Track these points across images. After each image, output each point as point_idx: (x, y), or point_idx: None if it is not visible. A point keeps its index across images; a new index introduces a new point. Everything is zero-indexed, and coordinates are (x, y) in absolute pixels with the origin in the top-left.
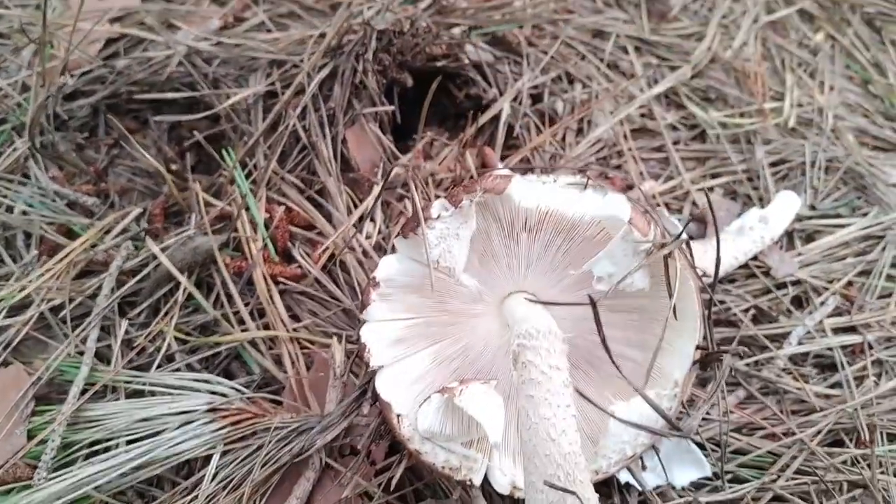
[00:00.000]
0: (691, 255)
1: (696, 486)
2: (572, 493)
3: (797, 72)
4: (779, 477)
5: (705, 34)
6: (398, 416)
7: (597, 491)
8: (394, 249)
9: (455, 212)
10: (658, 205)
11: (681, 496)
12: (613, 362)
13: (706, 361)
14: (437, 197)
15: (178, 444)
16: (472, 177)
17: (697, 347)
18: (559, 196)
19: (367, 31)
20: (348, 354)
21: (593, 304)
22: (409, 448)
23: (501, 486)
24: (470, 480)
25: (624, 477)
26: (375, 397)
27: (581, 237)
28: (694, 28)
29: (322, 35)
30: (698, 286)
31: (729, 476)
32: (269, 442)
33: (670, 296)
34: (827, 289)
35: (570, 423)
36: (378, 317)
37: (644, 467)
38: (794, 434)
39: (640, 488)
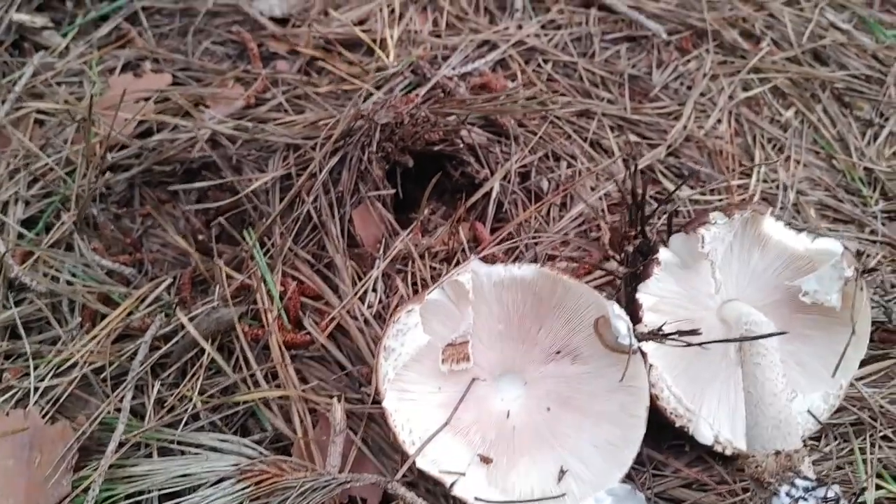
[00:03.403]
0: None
1: None
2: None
3: (766, 148)
4: None
5: (682, 113)
6: (651, 365)
7: None
8: (666, 244)
9: (728, 221)
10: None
11: None
12: None
13: None
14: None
15: (211, 500)
16: (463, 249)
17: None
18: (785, 232)
19: (371, 125)
20: (348, 413)
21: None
22: (652, 392)
23: (706, 437)
24: (686, 428)
25: None
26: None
27: (794, 266)
28: (673, 107)
29: (335, 123)
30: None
31: None
32: (289, 499)
33: (852, 318)
34: None
35: (783, 386)
36: (654, 288)
37: None
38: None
39: None
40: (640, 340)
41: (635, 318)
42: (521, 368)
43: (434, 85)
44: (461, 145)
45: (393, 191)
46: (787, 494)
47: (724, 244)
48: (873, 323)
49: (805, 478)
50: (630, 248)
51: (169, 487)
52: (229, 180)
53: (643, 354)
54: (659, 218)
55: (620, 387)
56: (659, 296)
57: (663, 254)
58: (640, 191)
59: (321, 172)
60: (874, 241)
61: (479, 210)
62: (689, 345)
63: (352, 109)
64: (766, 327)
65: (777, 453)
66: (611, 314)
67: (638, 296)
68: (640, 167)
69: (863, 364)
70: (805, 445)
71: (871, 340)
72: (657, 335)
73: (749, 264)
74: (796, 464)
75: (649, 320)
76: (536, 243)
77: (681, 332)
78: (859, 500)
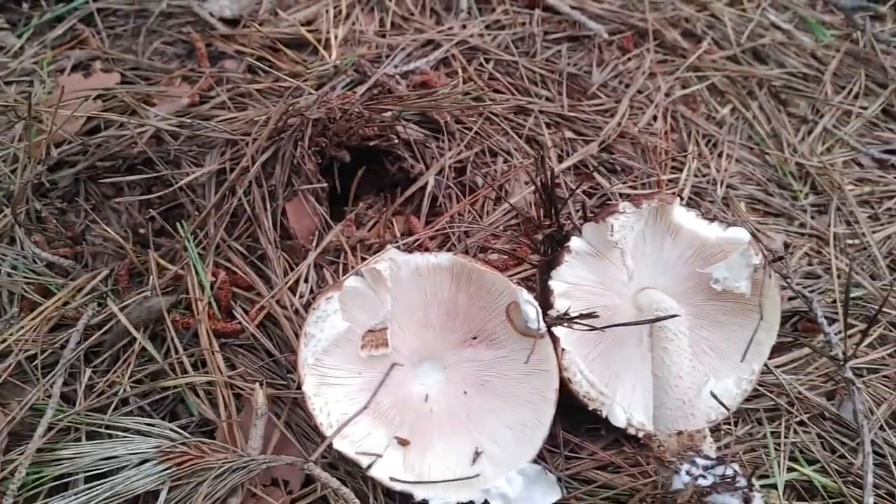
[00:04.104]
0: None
1: None
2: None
3: (700, 144)
4: None
5: (618, 109)
6: (563, 349)
7: None
8: (579, 232)
9: (636, 210)
10: None
11: None
12: None
13: None
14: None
15: (132, 481)
16: (396, 242)
17: None
18: (696, 221)
19: (304, 121)
20: (273, 399)
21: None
22: (565, 375)
23: (619, 420)
24: (599, 411)
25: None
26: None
27: (705, 254)
28: (610, 104)
29: (267, 119)
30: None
31: None
32: (207, 479)
33: (761, 304)
34: None
35: (690, 369)
36: (566, 275)
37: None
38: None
39: None
40: (548, 325)
41: (547, 304)
42: (440, 354)
43: (374, 83)
44: (397, 141)
45: (325, 184)
46: (688, 473)
47: (634, 233)
48: (796, 313)
49: (706, 456)
50: (542, 237)
51: (94, 469)
52: (165, 173)
53: (554, 339)
54: (579, 209)
55: (533, 370)
56: (570, 283)
57: (575, 242)
58: (549, 181)
59: (253, 166)
60: (803, 234)
61: (415, 204)
62: (594, 328)
63: (283, 105)
64: (677, 311)
65: (679, 433)
66: (520, 300)
67: (550, 283)
68: (574, 162)
69: (783, 352)
70: (719, 429)
71: (795, 330)
72: (564, 319)
73: (662, 253)
74: (697, 443)
75: (561, 306)
76: (468, 235)
77: (582, 316)
78: (770, 483)
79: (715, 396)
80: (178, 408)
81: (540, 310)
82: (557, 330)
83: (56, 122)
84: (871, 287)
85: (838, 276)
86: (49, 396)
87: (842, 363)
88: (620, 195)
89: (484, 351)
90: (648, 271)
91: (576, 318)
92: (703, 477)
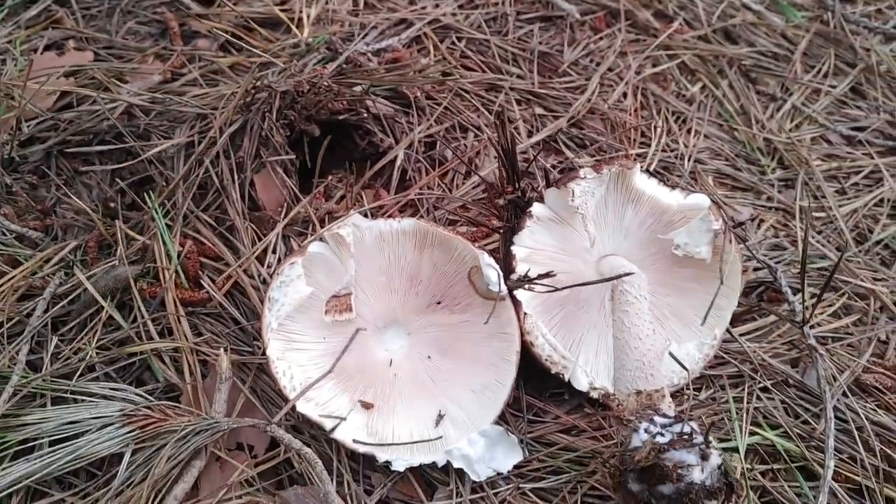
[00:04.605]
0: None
1: (519, 475)
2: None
3: (670, 120)
4: (597, 471)
5: (588, 87)
6: (525, 313)
7: (434, 477)
8: (542, 199)
9: (596, 176)
10: None
11: (506, 483)
12: None
13: None
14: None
15: (95, 444)
16: (365, 213)
17: None
18: (657, 188)
19: (271, 93)
20: (239, 365)
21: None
22: (527, 339)
23: (582, 384)
24: (562, 375)
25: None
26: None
27: (667, 220)
28: (580, 81)
29: (234, 92)
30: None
31: (552, 468)
32: (170, 442)
33: (721, 269)
34: None
35: (650, 332)
36: (528, 240)
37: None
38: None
39: (473, 478)
40: (509, 287)
41: (509, 269)
42: (404, 319)
43: (346, 59)
44: (366, 115)
45: (293, 156)
46: (646, 430)
47: (596, 199)
48: (762, 283)
49: (664, 415)
50: (504, 203)
51: (59, 434)
52: (135, 145)
53: (516, 303)
54: (546, 177)
55: (495, 334)
56: (532, 248)
57: (536, 208)
58: (509, 145)
59: (220, 137)
60: (769, 208)
61: (385, 178)
62: (554, 289)
63: (251, 77)
64: (637, 279)
65: (638, 393)
66: (482, 263)
67: (512, 248)
68: (543, 137)
69: (747, 321)
70: (681, 393)
71: (760, 300)
72: (524, 281)
73: (623, 220)
74: (656, 402)
75: (523, 271)
76: (437, 208)
77: (541, 276)
78: (731, 446)
79: (673, 356)
80: (145, 375)
81: (501, 273)
82: (520, 294)
83: (25, 96)
84: (836, 258)
85: (801, 251)
86: (14, 363)
87: (801, 325)
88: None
89: (448, 315)
90: (610, 238)
91: (535, 279)
92: (661, 434)
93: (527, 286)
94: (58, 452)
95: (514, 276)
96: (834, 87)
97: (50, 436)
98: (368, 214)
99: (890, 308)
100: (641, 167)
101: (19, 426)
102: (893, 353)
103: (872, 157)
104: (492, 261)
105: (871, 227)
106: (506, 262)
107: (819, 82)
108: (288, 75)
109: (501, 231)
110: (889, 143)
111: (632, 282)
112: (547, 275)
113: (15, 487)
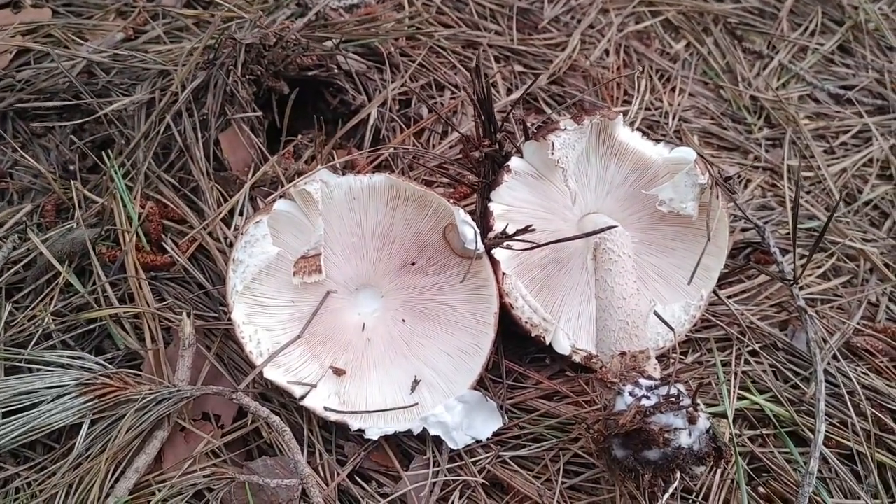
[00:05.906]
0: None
1: (499, 442)
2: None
3: (654, 78)
4: (580, 438)
5: (569, 43)
6: (504, 274)
7: (410, 445)
8: (520, 153)
9: (577, 127)
10: None
11: (486, 452)
12: None
13: None
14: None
15: (50, 415)
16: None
17: None
18: (641, 142)
19: (236, 46)
20: (203, 331)
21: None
22: (506, 301)
23: (563, 347)
24: (542, 338)
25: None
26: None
27: (651, 175)
28: (560, 38)
29: (195, 46)
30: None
31: (533, 436)
32: (130, 411)
33: (707, 226)
34: None
35: (634, 291)
36: (506, 196)
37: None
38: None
39: (451, 445)
40: (487, 246)
41: (487, 226)
42: (377, 281)
43: (316, 14)
44: (337, 72)
45: (260, 113)
46: (631, 394)
47: (577, 151)
48: (750, 244)
49: (649, 377)
50: (481, 156)
51: (12, 405)
52: (91, 102)
53: (494, 263)
54: (524, 132)
55: (472, 295)
56: (510, 204)
57: (515, 162)
58: (485, 94)
59: (182, 93)
60: (756, 167)
61: (358, 137)
62: (534, 245)
63: (213, 28)
64: (620, 235)
65: (622, 354)
66: (457, 220)
67: (490, 204)
68: (525, 92)
69: (735, 283)
70: (667, 357)
71: (748, 261)
72: (501, 237)
73: (606, 175)
74: (641, 364)
75: (500, 228)
76: (412, 167)
77: (519, 231)
78: (719, 411)
79: (658, 315)
80: (105, 342)
81: (478, 229)
82: (498, 253)
83: None
84: (825, 218)
85: (792, 209)
86: None
87: (791, 283)
88: None
89: (422, 277)
90: (592, 195)
91: (513, 235)
92: (647, 397)
93: (505, 244)
94: (11, 424)
95: (491, 234)
96: (821, 44)
97: (2, 407)
98: (339, 170)
99: (880, 269)
100: (624, 119)
101: None
102: (884, 315)
103: (861, 116)
104: (468, 217)
105: (861, 186)
106: (483, 219)
107: (806, 40)
108: (253, 27)
109: (478, 187)
110: (877, 102)
111: (615, 239)
112: (525, 229)
113: None
